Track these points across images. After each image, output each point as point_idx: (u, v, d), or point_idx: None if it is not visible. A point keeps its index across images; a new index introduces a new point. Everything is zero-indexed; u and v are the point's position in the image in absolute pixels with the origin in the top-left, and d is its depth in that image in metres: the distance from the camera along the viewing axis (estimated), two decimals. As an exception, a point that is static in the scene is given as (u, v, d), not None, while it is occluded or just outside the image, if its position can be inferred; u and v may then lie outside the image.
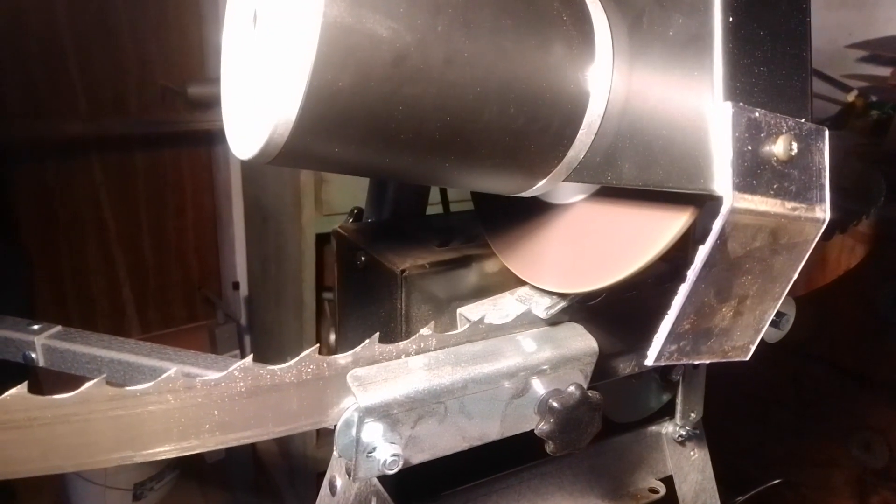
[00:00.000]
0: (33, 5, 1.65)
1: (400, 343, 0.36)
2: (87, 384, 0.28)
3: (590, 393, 0.37)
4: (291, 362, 0.32)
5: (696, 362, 0.31)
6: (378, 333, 0.35)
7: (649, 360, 0.30)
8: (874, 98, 1.49)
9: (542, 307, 0.42)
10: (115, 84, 1.82)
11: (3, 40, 1.63)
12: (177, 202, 2.04)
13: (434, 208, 0.64)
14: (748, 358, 0.32)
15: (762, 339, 0.32)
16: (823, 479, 1.31)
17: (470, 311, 0.45)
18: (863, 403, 1.24)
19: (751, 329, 0.31)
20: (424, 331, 0.36)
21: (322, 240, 1.48)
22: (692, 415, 0.61)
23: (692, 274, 0.28)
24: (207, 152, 2.03)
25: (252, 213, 1.88)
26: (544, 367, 0.38)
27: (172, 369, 0.29)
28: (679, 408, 0.60)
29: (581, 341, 0.40)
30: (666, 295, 0.29)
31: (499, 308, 0.45)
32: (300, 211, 1.42)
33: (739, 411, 1.43)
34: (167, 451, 0.30)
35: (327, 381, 0.33)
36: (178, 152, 1.99)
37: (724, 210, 0.26)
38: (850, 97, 1.48)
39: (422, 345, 0.36)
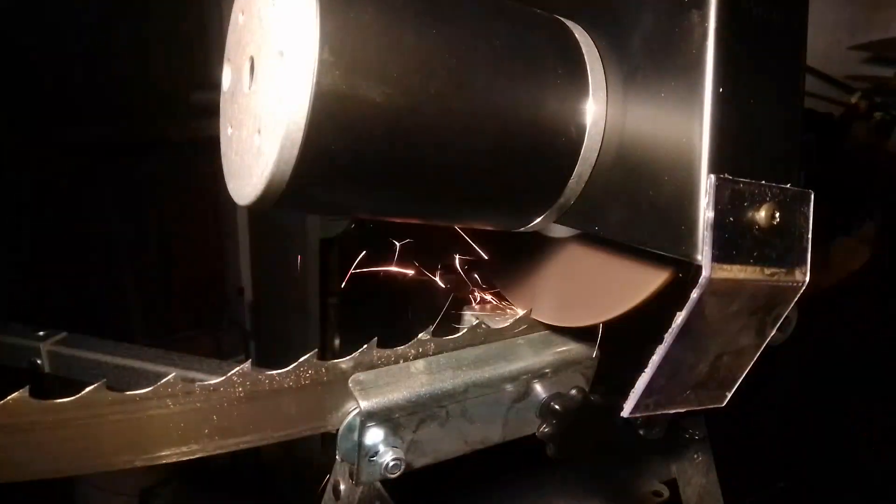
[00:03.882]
0: (39, 14, 1.66)
1: (398, 347, 0.36)
2: (88, 389, 0.28)
3: (592, 396, 0.37)
4: (290, 367, 0.32)
5: (672, 412, 0.31)
6: (376, 338, 0.35)
7: (625, 413, 0.30)
8: (878, 99, 1.49)
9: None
10: (119, 91, 1.83)
11: (8, 47, 1.64)
12: (181, 208, 2.04)
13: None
14: (724, 404, 0.33)
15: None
16: (830, 482, 1.30)
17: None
18: (872, 405, 1.23)
19: (727, 380, 0.32)
20: (423, 335, 0.36)
21: (327, 244, 1.48)
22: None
23: (669, 337, 0.28)
24: (211, 158, 2.03)
25: (256, 218, 1.88)
26: (546, 370, 0.38)
27: (171, 374, 0.29)
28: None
29: (582, 345, 0.40)
30: (669, 298, 0.29)
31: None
32: (304, 216, 1.42)
33: (744, 414, 1.42)
34: (168, 455, 0.31)
35: (326, 386, 0.33)
36: (182, 159, 2.00)
37: (701, 281, 0.26)
38: (854, 99, 1.48)
39: (420, 349, 0.36)
